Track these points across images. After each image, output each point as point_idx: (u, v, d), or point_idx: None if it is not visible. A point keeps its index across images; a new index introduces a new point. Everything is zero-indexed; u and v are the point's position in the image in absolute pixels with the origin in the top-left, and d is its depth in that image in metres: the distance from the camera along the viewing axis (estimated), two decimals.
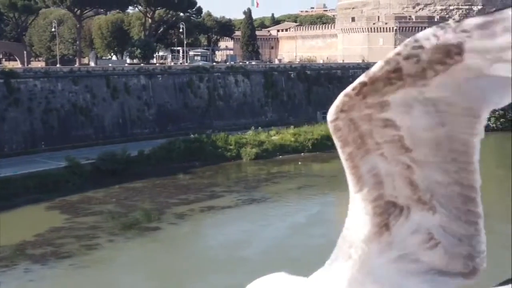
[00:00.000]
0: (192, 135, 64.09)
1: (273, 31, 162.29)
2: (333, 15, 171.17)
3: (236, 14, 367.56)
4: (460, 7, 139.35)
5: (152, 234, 41.08)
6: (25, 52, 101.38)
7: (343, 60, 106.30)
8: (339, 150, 2.10)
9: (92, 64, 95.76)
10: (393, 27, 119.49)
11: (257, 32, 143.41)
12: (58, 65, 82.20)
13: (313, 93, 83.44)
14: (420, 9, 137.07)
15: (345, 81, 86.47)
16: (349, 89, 2.00)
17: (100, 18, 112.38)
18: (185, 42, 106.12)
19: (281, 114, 79.99)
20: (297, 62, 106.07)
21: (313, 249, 35.40)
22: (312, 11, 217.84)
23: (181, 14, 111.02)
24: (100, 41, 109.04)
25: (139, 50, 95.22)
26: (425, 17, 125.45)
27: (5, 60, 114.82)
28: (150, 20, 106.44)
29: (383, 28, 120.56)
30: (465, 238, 2.19)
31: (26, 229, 41.30)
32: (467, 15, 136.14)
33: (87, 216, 44.72)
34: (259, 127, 70.37)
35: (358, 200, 2.14)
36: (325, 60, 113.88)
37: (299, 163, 64.27)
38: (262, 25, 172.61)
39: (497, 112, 73.65)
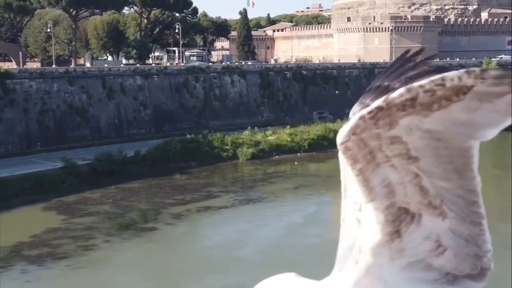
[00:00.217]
0: (188, 136, 64.05)
1: (269, 31, 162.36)
2: (329, 15, 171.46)
3: (231, 15, 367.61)
4: (456, 6, 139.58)
5: (148, 234, 41.05)
6: (20, 52, 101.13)
7: (339, 60, 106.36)
8: (349, 167, 2.20)
9: (87, 64, 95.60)
10: (388, 27, 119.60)
11: (253, 32, 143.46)
12: (53, 66, 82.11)
13: (309, 93, 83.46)
14: (415, 8, 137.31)
15: (341, 81, 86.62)
16: (364, 112, 2.11)
17: (96, 18, 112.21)
18: (181, 43, 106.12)
19: (277, 114, 79.99)
20: (293, 62, 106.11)
21: (309, 249, 35.46)
22: (307, 11, 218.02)
23: (177, 14, 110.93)
24: (95, 42, 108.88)
25: (134, 51, 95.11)
26: (420, 17, 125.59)
27: (1, 61, 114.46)
28: (145, 21, 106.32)
29: (379, 28, 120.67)
30: (471, 239, 2.31)
31: (23, 230, 41.24)
32: (462, 14, 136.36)
33: (84, 217, 44.66)
34: (255, 127, 70.36)
35: (370, 209, 2.23)
36: (321, 60, 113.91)
37: (296, 163, 64.28)
38: (258, 25, 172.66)
39: None
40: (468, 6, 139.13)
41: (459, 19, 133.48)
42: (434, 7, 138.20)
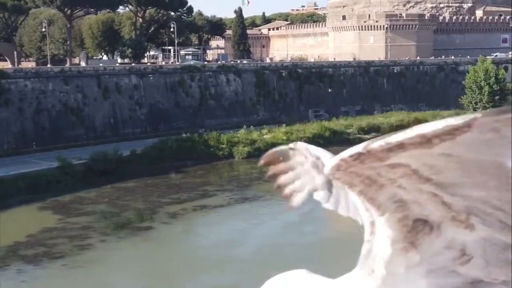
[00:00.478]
0: (184, 134, 64.00)
1: (264, 30, 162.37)
2: (324, 14, 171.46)
3: (227, 13, 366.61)
4: (450, 4, 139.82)
5: (144, 233, 41.04)
6: (15, 52, 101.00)
7: (334, 59, 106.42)
8: (348, 189, 1.99)
9: (83, 64, 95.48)
10: (383, 25, 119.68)
11: (248, 31, 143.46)
12: (48, 65, 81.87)
13: (304, 92, 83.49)
14: (410, 7, 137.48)
15: (336, 79, 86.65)
16: (346, 154, 1.90)
17: (91, 17, 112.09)
18: (176, 42, 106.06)
19: (273, 113, 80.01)
20: (288, 61, 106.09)
21: (305, 247, 35.51)
22: (303, 10, 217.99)
23: (172, 13, 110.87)
24: (90, 41, 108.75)
25: (130, 50, 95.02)
26: (415, 15, 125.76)
27: None
28: (140, 20, 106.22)
29: (374, 26, 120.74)
30: (508, 246, 2.02)
31: (18, 229, 41.18)
32: (457, 12, 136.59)
33: (79, 216, 44.62)
34: (251, 126, 70.34)
35: (380, 222, 2.04)
36: (316, 58, 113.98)
37: None
38: (253, 24, 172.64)
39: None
40: (463, 4, 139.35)
41: (454, 17, 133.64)
42: (429, 5, 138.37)
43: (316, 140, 67.07)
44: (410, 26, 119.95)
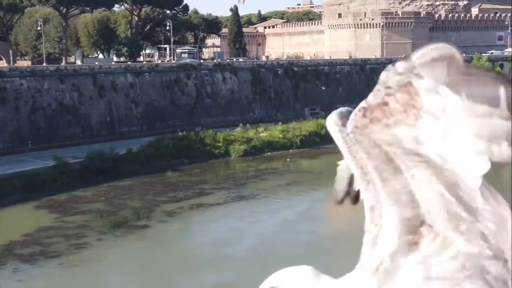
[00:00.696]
0: (180, 133, 63.97)
1: (260, 28, 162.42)
2: (320, 12, 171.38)
3: (222, 11, 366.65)
4: (446, 2, 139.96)
5: (141, 232, 41.01)
6: (10, 51, 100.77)
7: (330, 56, 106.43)
8: (364, 161, 1.92)
9: (78, 62, 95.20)
10: (379, 23, 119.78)
11: (244, 29, 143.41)
12: (44, 64, 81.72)
13: (300, 90, 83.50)
14: (406, 4, 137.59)
15: (332, 77, 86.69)
16: (356, 109, 1.86)
17: (86, 16, 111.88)
18: (172, 40, 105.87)
19: (269, 111, 79.99)
20: (284, 59, 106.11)
21: (301, 245, 35.52)
22: (298, 8, 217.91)
23: (168, 11, 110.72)
24: (86, 40, 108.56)
25: (125, 48, 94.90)
26: (411, 13, 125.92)
27: None
28: (136, 18, 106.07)
29: (370, 24, 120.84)
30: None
31: (14, 228, 41.13)
32: (452, 10, 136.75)
33: (76, 215, 44.58)
34: (247, 124, 70.34)
35: (389, 215, 1.95)
36: (312, 56, 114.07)
37: (288, 159, 64.34)
38: (249, 22, 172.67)
39: None
40: (458, 2, 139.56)
41: (450, 15, 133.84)
42: (424, 3, 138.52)
43: (312, 138, 67.21)
44: (406, 24, 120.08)
